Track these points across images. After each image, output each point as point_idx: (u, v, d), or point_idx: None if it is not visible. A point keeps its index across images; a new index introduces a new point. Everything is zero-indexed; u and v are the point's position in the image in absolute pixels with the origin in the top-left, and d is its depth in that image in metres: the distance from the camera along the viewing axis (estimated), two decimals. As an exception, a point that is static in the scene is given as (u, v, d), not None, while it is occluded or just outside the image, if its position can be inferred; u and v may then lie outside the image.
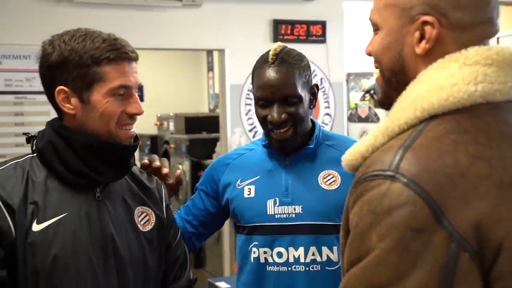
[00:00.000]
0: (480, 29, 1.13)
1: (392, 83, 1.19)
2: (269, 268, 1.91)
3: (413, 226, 0.96)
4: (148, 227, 1.71)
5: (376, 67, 1.23)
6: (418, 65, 1.14)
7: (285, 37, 5.12)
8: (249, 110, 5.12)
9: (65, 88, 1.55)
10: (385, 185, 1.00)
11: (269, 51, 1.92)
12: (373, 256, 0.98)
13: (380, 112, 5.75)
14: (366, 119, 5.79)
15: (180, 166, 6.36)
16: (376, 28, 1.21)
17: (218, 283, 3.25)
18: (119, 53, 1.56)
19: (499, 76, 1.07)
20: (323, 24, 5.23)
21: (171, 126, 7.13)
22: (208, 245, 5.91)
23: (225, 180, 2.02)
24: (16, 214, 1.50)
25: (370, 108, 5.80)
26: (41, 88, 1.63)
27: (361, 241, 1.01)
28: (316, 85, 1.98)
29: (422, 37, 1.12)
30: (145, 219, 1.71)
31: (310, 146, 1.96)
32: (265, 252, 1.91)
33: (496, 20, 1.15)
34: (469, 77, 1.06)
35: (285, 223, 1.91)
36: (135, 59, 1.60)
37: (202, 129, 6.52)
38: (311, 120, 2.01)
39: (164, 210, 1.79)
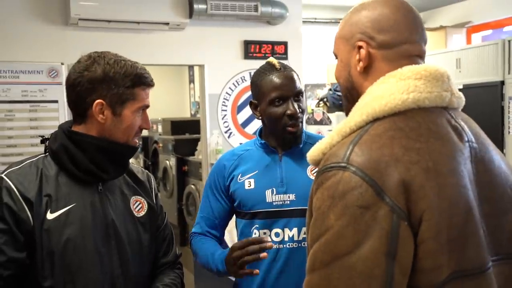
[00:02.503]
0: (403, 48, 1.19)
1: (348, 97, 1.26)
2: None
3: (361, 204, 1.00)
4: (142, 213, 1.72)
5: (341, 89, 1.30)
6: (361, 80, 1.21)
7: (254, 54, 5.12)
8: (225, 115, 5.12)
9: (103, 102, 1.57)
10: (339, 174, 1.04)
11: (267, 63, 1.96)
12: (333, 232, 1.02)
13: (332, 116, 5.80)
14: (320, 122, 5.83)
15: (168, 162, 6.34)
16: (336, 58, 1.28)
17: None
18: (148, 80, 1.63)
19: (426, 87, 1.13)
20: (285, 44, 5.22)
21: (160, 129, 7.08)
22: (191, 226, 5.89)
23: (229, 176, 2.02)
24: (34, 205, 1.51)
25: (323, 113, 5.85)
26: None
27: (322, 221, 1.04)
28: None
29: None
30: (139, 207, 1.72)
31: (300, 146, 1.97)
32: (264, 233, 1.92)
33: (419, 40, 1.21)
34: (403, 88, 1.12)
35: (281, 208, 1.91)
36: (153, 86, 1.68)
37: (186, 131, 6.45)
38: None
39: (154, 198, 1.80)
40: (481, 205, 1.11)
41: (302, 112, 1.92)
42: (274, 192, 1.93)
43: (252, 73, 5.08)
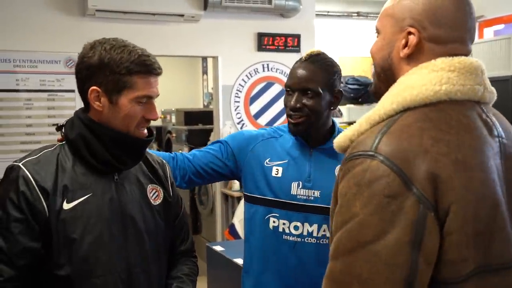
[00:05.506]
0: (453, 46, 1.14)
1: (381, 77, 1.22)
2: (285, 237, 1.88)
3: (388, 193, 0.98)
4: (158, 202, 1.67)
5: (372, 64, 1.26)
6: (401, 65, 1.17)
7: (267, 47, 5.11)
8: (237, 106, 5.12)
9: (98, 89, 1.50)
10: (366, 162, 1.02)
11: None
12: (358, 220, 1.00)
13: (343, 108, 5.78)
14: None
15: (181, 152, 6.36)
16: (378, 33, 1.23)
17: (214, 247, 3.25)
18: (149, 68, 1.51)
19: (459, 79, 1.10)
20: (298, 37, 5.20)
21: (173, 119, 7.10)
22: (203, 215, 5.91)
23: (253, 153, 1.97)
24: (50, 195, 1.47)
25: (335, 105, 5.82)
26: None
27: (347, 208, 1.03)
28: (340, 92, 1.91)
29: (406, 44, 1.15)
30: (155, 195, 1.68)
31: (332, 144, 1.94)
32: (284, 224, 1.88)
33: (468, 41, 1.17)
34: (435, 80, 1.09)
35: (305, 203, 1.87)
36: (160, 74, 1.55)
37: (199, 121, 6.46)
38: (332, 120, 1.96)
39: (170, 187, 1.74)
40: (509, 202, 1.08)
41: (309, 108, 1.83)
42: (300, 186, 1.89)
43: (264, 65, 5.12)
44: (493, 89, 1.17)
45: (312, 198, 1.88)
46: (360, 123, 1.13)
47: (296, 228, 1.88)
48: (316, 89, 1.83)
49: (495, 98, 1.18)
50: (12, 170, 1.50)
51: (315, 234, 1.87)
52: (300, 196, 1.88)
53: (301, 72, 1.85)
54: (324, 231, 1.87)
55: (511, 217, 1.08)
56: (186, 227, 1.81)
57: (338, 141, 1.17)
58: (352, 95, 5.76)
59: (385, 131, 1.06)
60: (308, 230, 1.87)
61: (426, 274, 0.99)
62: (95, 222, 1.52)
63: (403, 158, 1.00)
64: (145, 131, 1.61)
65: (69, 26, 4.36)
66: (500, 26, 6.13)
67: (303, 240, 1.87)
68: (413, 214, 0.97)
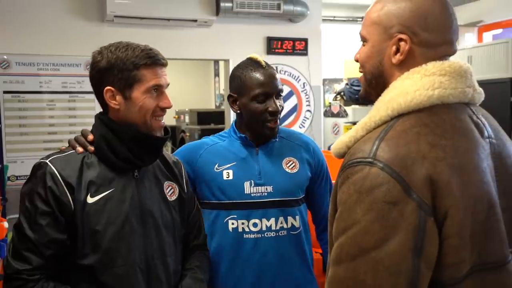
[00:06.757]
0: (443, 49, 1.14)
1: (372, 84, 1.20)
2: (246, 236, 1.88)
3: (389, 200, 0.97)
4: (173, 198, 1.71)
5: (360, 71, 1.24)
6: (393, 71, 1.15)
7: (276, 50, 5.18)
8: (248, 107, 5.16)
9: (112, 88, 1.55)
10: (366, 169, 1.01)
11: (252, 59, 1.94)
12: (360, 227, 0.99)
13: (348, 109, 5.83)
14: (337, 115, 5.87)
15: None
16: (364, 40, 1.21)
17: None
18: (153, 60, 1.55)
19: (451, 83, 1.09)
20: (305, 40, 5.26)
21: (187, 119, 7.15)
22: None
23: (201, 162, 1.94)
24: (75, 190, 1.51)
25: (340, 106, 5.89)
26: (89, 89, 1.64)
27: (348, 215, 1.01)
28: None
29: (397, 50, 1.13)
30: (171, 191, 1.71)
31: (276, 140, 1.97)
32: (243, 223, 1.88)
33: (455, 42, 1.17)
34: (428, 84, 1.08)
35: (259, 200, 1.89)
36: (165, 64, 1.60)
37: (211, 121, 6.51)
38: None
39: (184, 185, 1.77)
40: (502, 201, 1.08)
41: (281, 109, 1.90)
42: (253, 184, 1.89)
43: (276, 68, 5.16)
44: (481, 90, 1.17)
45: (265, 194, 1.90)
46: (356, 130, 1.13)
47: (255, 225, 1.89)
48: (282, 91, 1.94)
49: (483, 98, 1.18)
50: (40, 166, 1.54)
51: (273, 228, 1.90)
52: (254, 194, 1.90)
53: (273, 77, 1.89)
54: (281, 223, 1.91)
55: (503, 216, 1.08)
56: (198, 223, 1.85)
57: (335, 147, 1.16)
58: (357, 96, 5.83)
59: (382, 137, 1.04)
60: (266, 225, 1.89)
61: (426, 278, 0.99)
62: (117, 216, 1.55)
63: (402, 164, 0.99)
64: (163, 121, 1.64)
65: (89, 32, 4.47)
66: (499, 31, 6.19)
67: (262, 235, 1.89)
68: (414, 220, 0.96)
